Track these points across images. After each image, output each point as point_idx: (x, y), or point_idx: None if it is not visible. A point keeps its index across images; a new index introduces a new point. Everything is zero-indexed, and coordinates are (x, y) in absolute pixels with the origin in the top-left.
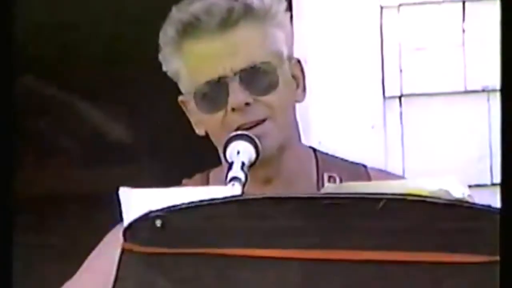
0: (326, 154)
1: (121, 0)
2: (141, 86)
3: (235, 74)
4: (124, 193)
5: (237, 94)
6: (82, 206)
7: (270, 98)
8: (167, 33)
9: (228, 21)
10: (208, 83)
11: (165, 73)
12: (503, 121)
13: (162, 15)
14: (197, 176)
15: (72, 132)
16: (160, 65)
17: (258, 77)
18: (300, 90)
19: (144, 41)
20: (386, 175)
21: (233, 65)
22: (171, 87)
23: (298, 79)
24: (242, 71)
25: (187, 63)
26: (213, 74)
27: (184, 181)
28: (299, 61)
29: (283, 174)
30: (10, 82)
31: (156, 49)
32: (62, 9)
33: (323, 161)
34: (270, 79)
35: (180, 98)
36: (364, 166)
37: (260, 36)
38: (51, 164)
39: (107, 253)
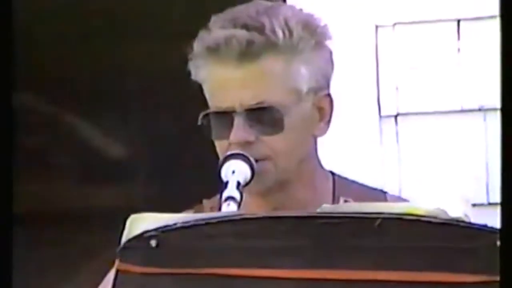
0: (346, 178)
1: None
2: (140, 100)
3: (243, 109)
4: (132, 219)
5: (239, 131)
6: (80, 221)
7: (273, 139)
8: (197, 47)
9: (247, 54)
10: (216, 113)
11: (166, 88)
12: (503, 136)
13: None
14: (217, 197)
15: (68, 148)
16: (162, 80)
17: (264, 118)
18: (322, 124)
19: (144, 55)
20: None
21: (243, 100)
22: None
23: (324, 112)
24: (251, 108)
25: (208, 80)
26: (222, 103)
27: (204, 201)
28: (329, 95)
29: (292, 204)
30: (9, 97)
31: (155, 62)
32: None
33: (341, 185)
34: (277, 121)
35: None
36: (384, 192)
37: (280, 72)
38: (47, 179)
39: None
